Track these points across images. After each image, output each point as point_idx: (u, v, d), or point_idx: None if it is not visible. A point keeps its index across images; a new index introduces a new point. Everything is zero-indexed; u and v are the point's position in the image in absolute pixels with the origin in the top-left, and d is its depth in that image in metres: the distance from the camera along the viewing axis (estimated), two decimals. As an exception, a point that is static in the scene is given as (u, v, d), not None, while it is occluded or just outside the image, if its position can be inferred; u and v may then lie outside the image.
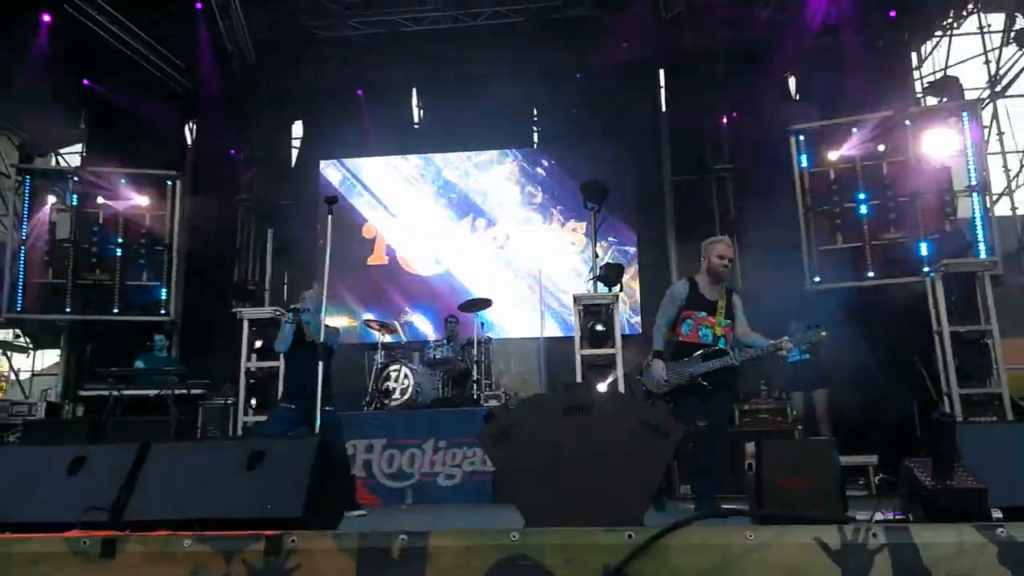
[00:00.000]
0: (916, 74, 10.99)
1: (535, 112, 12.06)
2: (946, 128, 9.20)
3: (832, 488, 2.52)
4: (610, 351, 7.43)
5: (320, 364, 5.77)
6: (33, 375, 13.02)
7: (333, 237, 6.03)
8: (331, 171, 11.98)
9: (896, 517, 2.34)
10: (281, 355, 6.86)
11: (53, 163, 12.52)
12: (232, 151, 11.70)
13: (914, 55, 11.05)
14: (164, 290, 10.27)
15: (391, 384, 8.07)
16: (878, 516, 2.34)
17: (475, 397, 8.35)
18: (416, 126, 12.22)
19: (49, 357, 13.26)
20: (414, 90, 12.21)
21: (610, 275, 8.22)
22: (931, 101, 10.18)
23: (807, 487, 2.51)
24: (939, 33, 10.83)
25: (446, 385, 8.48)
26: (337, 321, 11.12)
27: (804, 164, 9.68)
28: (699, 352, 5.06)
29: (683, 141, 11.15)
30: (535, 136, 12.09)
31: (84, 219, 10.29)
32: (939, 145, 9.12)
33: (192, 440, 4.53)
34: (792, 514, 2.22)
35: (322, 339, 5.88)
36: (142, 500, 2.89)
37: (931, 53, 11.01)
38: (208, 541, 2.33)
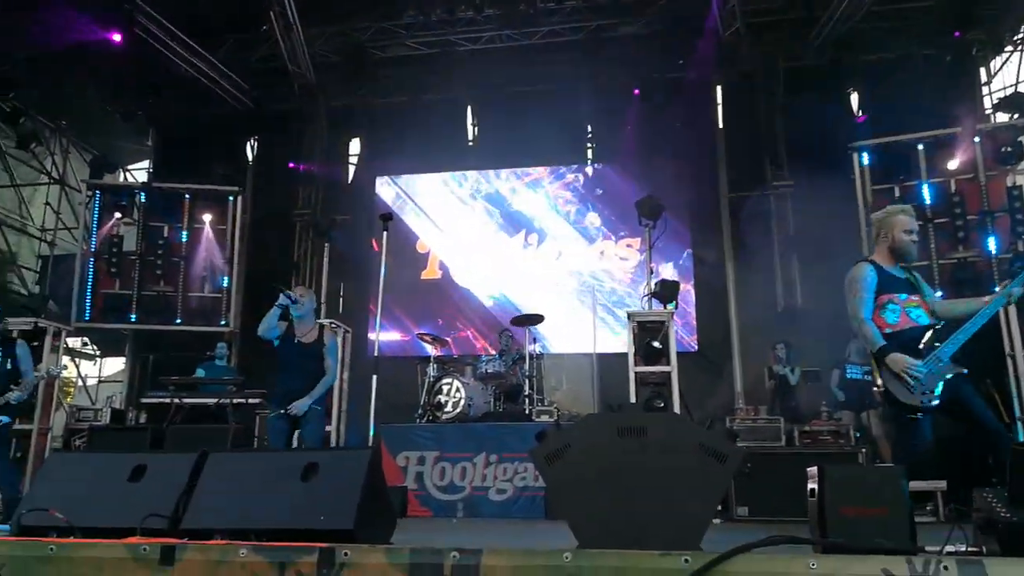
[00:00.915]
0: (986, 89, 10.65)
1: (590, 129, 12.04)
2: (1017, 145, 8.89)
3: (900, 517, 2.42)
4: (665, 368, 7.32)
5: (313, 366, 5.53)
6: (99, 382, 13.46)
7: (387, 253, 6.10)
8: (386, 188, 12.15)
9: (968, 549, 2.23)
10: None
11: (121, 179, 13.00)
12: (291, 166, 11.97)
13: (983, 70, 10.70)
14: (224, 301, 10.54)
15: (443, 397, 8.09)
16: (948, 548, 2.24)
17: (527, 412, 8.32)
18: (471, 143, 12.33)
19: (115, 365, 13.71)
20: (469, 108, 12.33)
21: (665, 292, 8.13)
22: (1001, 117, 9.83)
23: (873, 516, 2.41)
24: (1009, 48, 10.48)
25: (498, 399, 8.46)
26: (392, 335, 11.25)
27: (867, 181, 9.45)
28: (929, 333, 3.95)
29: (741, 157, 10.99)
30: (589, 153, 12.06)
31: (150, 232, 10.66)
32: (1009, 162, 8.82)
33: (248, 450, 4.61)
34: (857, 544, 2.13)
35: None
36: (199, 508, 2.95)
37: (1001, 68, 10.65)
38: (263, 551, 2.35)
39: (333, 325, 8.10)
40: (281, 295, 5.53)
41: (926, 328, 3.97)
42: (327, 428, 7.78)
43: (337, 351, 5.84)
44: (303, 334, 5.65)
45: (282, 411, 5.50)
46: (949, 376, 3.81)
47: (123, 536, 2.69)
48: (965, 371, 3.84)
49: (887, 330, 4.02)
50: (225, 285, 10.61)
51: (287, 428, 5.54)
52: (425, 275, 11.71)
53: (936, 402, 3.80)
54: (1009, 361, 7.10)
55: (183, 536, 2.76)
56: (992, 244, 8.75)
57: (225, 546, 2.42)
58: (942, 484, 6.10)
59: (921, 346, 3.91)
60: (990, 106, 10.38)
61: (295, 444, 5.60)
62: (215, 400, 7.81)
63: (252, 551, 2.36)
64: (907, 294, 4.08)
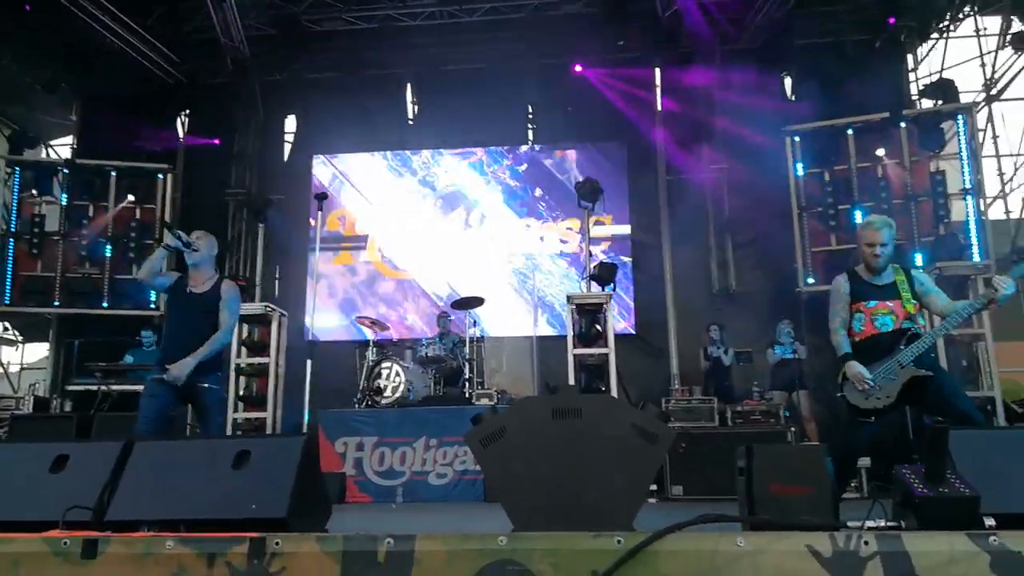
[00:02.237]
0: (912, 76, 11.00)
1: (530, 110, 12.01)
2: (940, 131, 9.23)
3: (824, 495, 2.50)
4: (603, 351, 7.41)
5: (205, 323, 4.70)
6: (22, 369, 12.92)
7: (324, 233, 5.99)
8: (323, 166, 11.92)
9: (888, 524, 2.31)
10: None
11: (43, 155, 12.42)
12: (223, 144, 11.63)
13: (910, 57, 11.05)
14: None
15: (382, 382, 8.02)
16: (869, 523, 2.32)
17: (467, 396, 8.32)
18: (410, 122, 12.17)
19: (38, 351, 13.17)
20: (408, 85, 12.15)
21: (603, 275, 8.21)
22: (927, 104, 10.18)
23: (799, 494, 2.49)
24: (935, 36, 10.83)
25: (438, 383, 8.43)
26: (328, 318, 11.10)
27: (799, 166, 9.69)
28: (895, 339, 4.11)
29: (678, 140, 11.12)
30: (530, 134, 12.04)
31: (74, 212, 10.23)
32: (934, 148, 9.15)
33: (177, 437, 4.46)
34: (783, 521, 2.19)
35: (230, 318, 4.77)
36: (125, 499, 2.85)
37: (927, 56, 11.01)
38: (191, 543, 2.29)
39: (234, 281, 7.87)
40: (167, 234, 4.73)
41: (891, 334, 4.13)
42: (262, 414, 7.64)
43: (236, 305, 4.88)
44: (196, 284, 4.78)
45: (164, 376, 4.56)
46: (907, 379, 4.02)
47: (45, 530, 2.58)
48: (929, 373, 4.04)
49: (855, 338, 4.24)
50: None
51: (168, 397, 4.60)
52: (363, 257, 11.56)
53: (889, 404, 4.05)
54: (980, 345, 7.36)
55: (108, 529, 2.67)
56: (915, 229, 9.10)
57: (151, 538, 2.35)
58: (866, 461, 6.35)
59: (887, 349, 4.11)
60: (916, 92, 10.72)
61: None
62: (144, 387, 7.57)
63: (179, 543, 2.29)
64: (877, 300, 4.21)
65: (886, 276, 4.29)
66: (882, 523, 2.30)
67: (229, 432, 7.15)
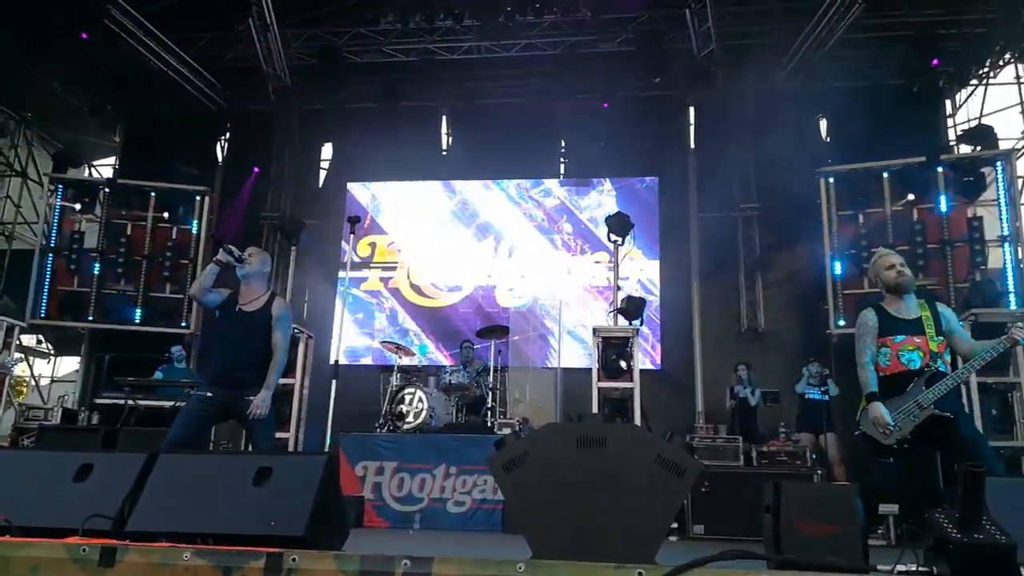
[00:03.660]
0: (950, 122, 10.91)
1: (563, 144, 12.10)
2: (979, 177, 9.12)
3: (853, 536, 2.43)
4: (628, 384, 7.33)
5: (255, 339, 4.59)
6: (52, 381, 13.13)
7: (354, 258, 6.03)
8: (358, 193, 12.07)
9: (920, 570, 2.24)
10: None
11: (86, 174, 12.75)
12: (261, 169, 11.85)
13: (948, 103, 10.97)
14: (186, 303, 10.34)
15: (405, 407, 8.00)
16: (900, 568, 2.24)
17: (489, 424, 8.27)
18: (444, 153, 12.31)
19: (69, 364, 13.38)
20: (444, 117, 12.32)
21: (631, 308, 8.15)
22: (964, 149, 10.07)
23: (827, 534, 2.42)
24: (975, 82, 10.76)
25: (460, 411, 8.40)
26: (355, 342, 11.15)
27: (833, 207, 9.61)
28: (917, 378, 4.03)
29: (710, 178, 11.10)
30: (562, 168, 12.12)
31: (112, 230, 10.45)
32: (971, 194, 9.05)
33: (200, 452, 4.46)
34: (811, 560, 2.13)
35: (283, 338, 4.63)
36: (146, 511, 2.86)
37: (966, 101, 10.93)
38: (207, 555, 2.28)
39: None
40: (221, 250, 4.62)
41: (916, 372, 4.05)
42: (285, 435, 7.64)
43: (289, 324, 4.76)
44: (247, 301, 4.66)
45: (209, 393, 4.48)
46: (924, 418, 3.95)
47: (65, 537, 2.59)
48: (949, 414, 3.95)
49: (880, 373, 4.15)
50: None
51: (208, 414, 4.52)
52: (392, 283, 11.63)
53: (905, 444, 3.98)
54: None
55: (128, 539, 2.67)
56: (951, 274, 8.95)
57: (168, 549, 2.34)
58: (894, 508, 6.20)
59: (908, 389, 4.03)
60: (954, 138, 10.62)
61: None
62: (171, 403, 7.64)
63: (196, 555, 2.29)
64: (905, 335, 4.12)
65: (912, 310, 4.21)
66: (913, 567, 2.23)
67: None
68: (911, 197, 9.26)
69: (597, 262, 11.24)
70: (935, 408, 3.94)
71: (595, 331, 7.66)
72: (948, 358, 4.17)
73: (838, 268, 9.49)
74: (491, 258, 11.56)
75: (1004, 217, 8.92)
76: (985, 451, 3.94)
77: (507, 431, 7.68)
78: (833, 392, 8.50)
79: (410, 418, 7.94)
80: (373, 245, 11.61)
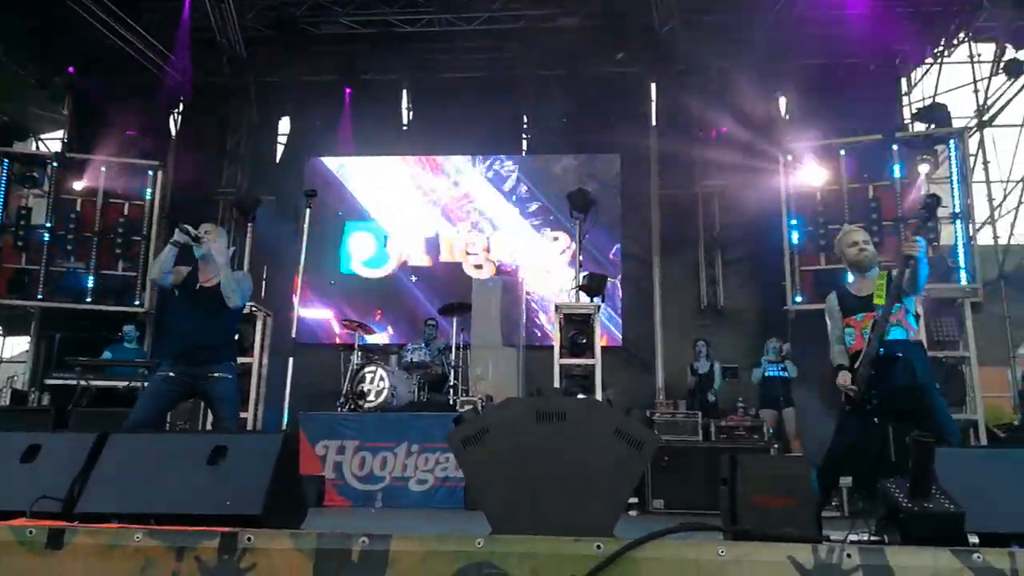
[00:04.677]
0: (905, 100, 11.08)
1: (525, 120, 12.03)
2: (932, 154, 9.28)
3: (807, 507, 2.47)
4: (590, 361, 7.38)
5: (217, 315, 4.55)
6: (1, 362, 12.76)
7: (314, 234, 5.94)
8: (317, 168, 11.86)
9: (871, 538, 2.28)
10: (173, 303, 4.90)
11: (33, 148, 12.32)
12: (215, 144, 11.59)
13: (904, 81, 11.14)
14: (139, 281, 10.10)
15: (366, 386, 7.95)
16: (852, 537, 2.29)
17: (451, 402, 8.27)
18: (405, 127, 12.16)
19: (19, 344, 13.01)
20: (404, 91, 12.15)
21: (592, 285, 8.19)
22: (919, 127, 10.24)
23: (781, 505, 2.46)
24: (929, 60, 10.92)
25: (422, 389, 8.38)
26: (314, 321, 11.03)
27: (790, 184, 9.71)
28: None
29: (671, 155, 11.14)
30: (524, 144, 12.06)
31: (61, 206, 10.14)
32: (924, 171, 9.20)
33: (152, 431, 4.39)
34: (766, 531, 2.16)
35: (236, 303, 4.61)
36: (97, 492, 2.78)
37: (921, 80, 11.10)
38: (160, 536, 2.24)
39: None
40: (177, 230, 4.59)
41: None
42: (244, 415, 7.54)
43: (247, 283, 4.78)
44: (208, 279, 4.64)
45: (171, 373, 4.46)
46: (875, 355, 4.02)
47: (11, 519, 2.52)
48: (899, 355, 4.03)
49: (850, 352, 4.25)
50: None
51: (174, 394, 4.53)
52: (352, 260, 11.50)
53: (874, 401, 4.05)
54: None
55: (78, 521, 2.60)
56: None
57: (118, 530, 2.29)
58: (848, 480, 6.33)
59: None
60: (909, 116, 10.79)
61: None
62: (125, 383, 7.49)
63: (148, 535, 2.24)
64: (864, 313, 4.21)
65: (868, 285, 4.28)
66: (866, 536, 2.27)
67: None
68: (870, 171, 9.38)
69: (557, 239, 11.23)
70: (882, 350, 4.01)
71: (557, 308, 7.69)
72: (912, 323, 4.23)
73: (796, 243, 9.61)
74: (452, 234, 11.47)
75: (956, 195, 9.10)
76: (947, 425, 4.03)
77: (468, 408, 7.68)
78: (792, 373, 8.66)
79: (371, 397, 7.89)
80: (332, 222, 11.43)
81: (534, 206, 11.46)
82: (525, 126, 12.04)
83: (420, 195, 11.69)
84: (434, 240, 11.48)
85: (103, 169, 10.29)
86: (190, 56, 11.12)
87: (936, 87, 10.73)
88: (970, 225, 9.06)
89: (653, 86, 11.61)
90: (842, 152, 9.53)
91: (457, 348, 8.73)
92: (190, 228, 4.60)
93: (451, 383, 8.56)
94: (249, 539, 2.21)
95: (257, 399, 7.86)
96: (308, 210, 5.84)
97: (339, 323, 10.58)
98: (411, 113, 12.22)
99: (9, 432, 3.18)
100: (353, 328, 9.09)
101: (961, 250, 8.86)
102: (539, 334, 10.61)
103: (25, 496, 2.71)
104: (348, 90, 11.56)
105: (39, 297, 9.89)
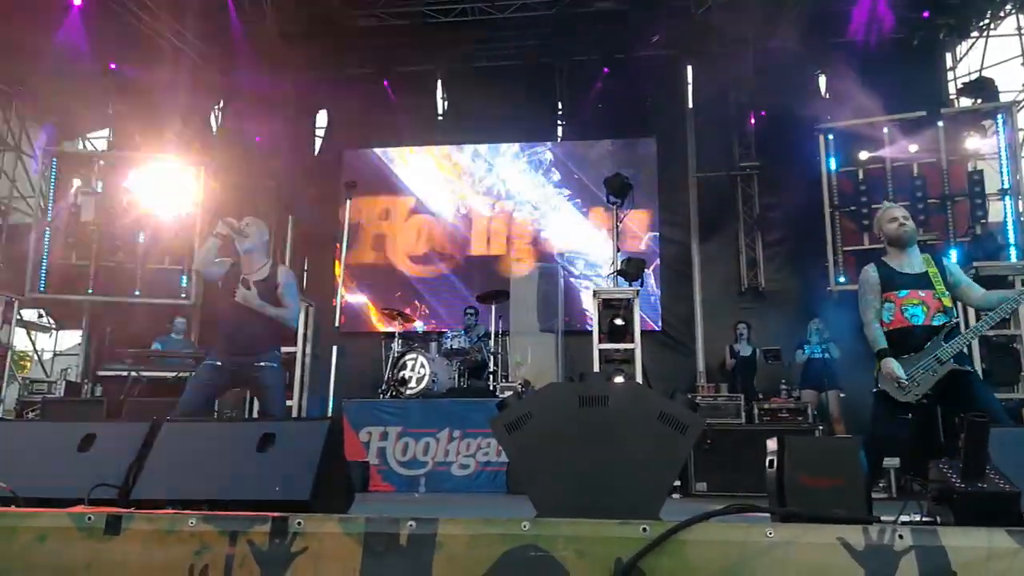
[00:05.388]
0: (951, 75, 10.78)
1: (560, 106, 11.98)
2: (980, 130, 9.03)
3: (857, 488, 2.43)
4: (629, 346, 7.35)
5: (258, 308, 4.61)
6: (55, 355, 13.15)
7: (355, 225, 5.98)
8: (354, 160, 11.97)
9: (923, 519, 2.24)
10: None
11: (81, 147, 12.62)
12: (257, 139, 11.75)
13: (949, 55, 10.83)
14: (184, 276, 10.32)
15: (407, 373, 8.03)
16: (904, 518, 2.25)
17: (491, 388, 8.31)
18: (440, 117, 12.19)
19: (72, 338, 13.39)
20: (439, 81, 12.17)
21: (630, 270, 8.14)
22: (965, 102, 9.96)
23: (830, 486, 2.43)
24: (975, 34, 10.60)
25: (462, 376, 8.44)
26: (355, 309, 11.15)
27: (832, 163, 9.54)
28: (936, 335, 3.94)
29: (709, 137, 11.00)
30: (559, 130, 12.01)
31: (109, 202, 10.38)
32: (972, 147, 8.97)
33: (202, 420, 4.49)
34: (814, 512, 2.14)
35: (292, 324, 4.77)
36: (151, 479, 2.86)
37: (967, 54, 10.78)
38: (213, 521, 2.29)
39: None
40: (220, 223, 4.66)
41: (924, 328, 3.98)
42: (288, 403, 7.66)
43: (295, 290, 4.84)
44: (251, 272, 4.71)
45: (218, 362, 4.56)
46: (944, 374, 3.89)
47: (70, 507, 2.60)
48: (969, 368, 3.94)
49: (884, 329, 4.09)
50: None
51: (217, 382, 4.63)
52: (392, 249, 11.58)
53: (924, 400, 3.93)
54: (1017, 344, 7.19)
55: (132, 507, 2.68)
56: (952, 228, 8.91)
57: (174, 515, 2.34)
58: (895, 461, 6.23)
59: (921, 345, 3.95)
60: (954, 91, 10.50)
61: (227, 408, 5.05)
62: (174, 373, 7.67)
63: (202, 520, 2.29)
64: (909, 290, 4.06)
65: (917, 265, 4.16)
66: (917, 518, 2.23)
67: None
68: (912, 150, 9.15)
69: (596, 224, 11.17)
70: (955, 363, 3.90)
71: (595, 293, 7.66)
72: (957, 315, 4.15)
73: (838, 225, 9.44)
74: (490, 222, 11.48)
75: (1005, 170, 8.85)
76: (995, 405, 3.91)
77: (509, 394, 7.71)
78: (835, 354, 8.52)
79: (413, 383, 7.96)
80: (371, 212, 11.54)
81: (570, 192, 11.41)
82: (560, 112, 11.99)
83: (456, 183, 11.72)
84: (471, 227, 11.51)
85: (148, 165, 10.50)
86: (229, 53, 11.31)
87: (983, 61, 10.42)
88: (1020, 201, 8.80)
89: (689, 68, 11.47)
90: (885, 130, 9.33)
91: (496, 335, 8.76)
92: (233, 221, 4.68)
93: (490, 369, 8.60)
94: (299, 523, 2.24)
95: (302, 387, 7.98)
96: (348, 201, 5.88)
97: (380, 312, 10.67)
98: (446, 103, 12.24)
99: (66, 423, 3.29)
100: (393, 316, 9.17)
101: (1011, 227, 8.64)
102: (580, 318, 10.59)
103: (83, 484, 2.79)
104: (385, 82, 11.61)
105: (89, 292, 10.15)
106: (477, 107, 11.65)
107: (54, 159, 10.64)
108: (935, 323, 3.99)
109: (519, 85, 11.45)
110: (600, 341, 7.40)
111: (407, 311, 9.80)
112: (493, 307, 8.88)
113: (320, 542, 2.23)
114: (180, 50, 10.95)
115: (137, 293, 10.19)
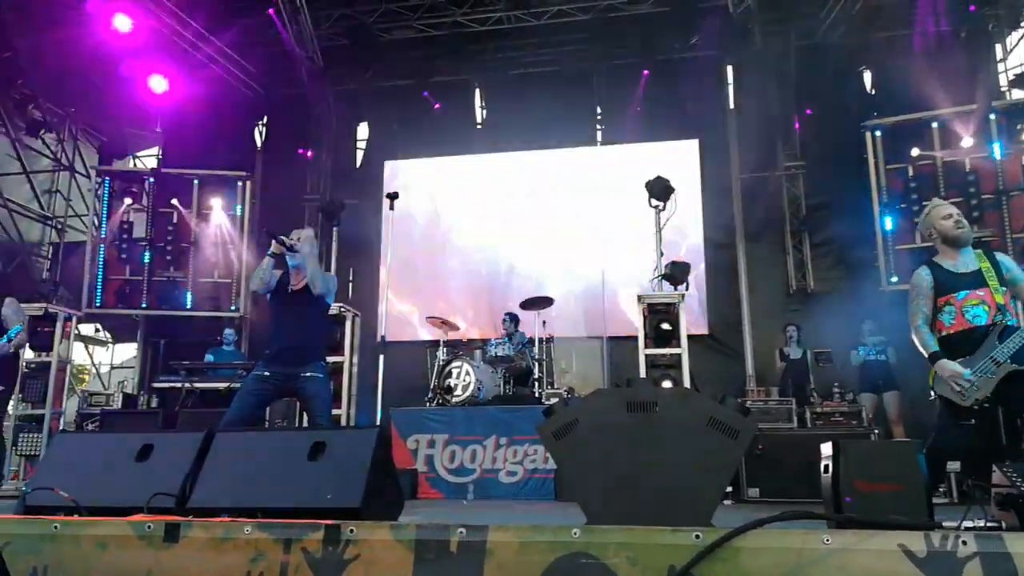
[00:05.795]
0: (1001, 67, 10.47)
1: (599, 110, 11.94)
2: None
3: (917, 493, 2.37)
4: (676, 351, 7.27)
5: (308, 317, 4.74)
6: (112, 368, 13.53)
7: (396, 235, 6.04)
8: (395, 170, 12.08)
9: (987, 524, 2.17)
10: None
11: (131, 165, 12.99)
12: (299, 151, 11.97)
13: (999, 46, 10.52)
14: (233, 288, 10.54)
15: (453, 381, 8.07)
16: (967, 523, 2.18)
17: (536, 395, 8.30)
18: (479, 126, 12.25)
19: (127, 351, 13.76)
20: (477, 90, 12.24)
21: (675, 274, 8.05)
22: (1017, 94, 9.66)
23: (888, 491, 2.37)
24: (1025, 24, 10.30)
25: (507, 383, 8.44)
26: (400, 319, 11.24)
27: (880, 161, 9.33)
28: (989, 334, 3.81)
29: (753, 138, 10.85)
30: (599, 135, 11.97)
31: (159, 219, 10.67)
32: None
33: (255, 429, 4.56)
34: (874, 519, 2.08)
35: (320, 290, 4.76)
36: (207, 487, 2.93)
37: (1017, 44, 10.46)
38: (268, 528, 2.33)
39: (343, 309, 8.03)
40: (273, 242, 4.70)
41: (983, 327, 3.85)
42: (337, 411, 7.76)
43: (333, 281, 4.99)
44: (298, 282, 4.82)
45: (267, 372, 4.61)
46: (1004, 374, 3.76)
47: (129, 515, 2.66)
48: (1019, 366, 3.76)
49: (943, 333, 3.96)
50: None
51: (268, 393, 4.67)
52: (435, 258, 11.66)
53: (987, 404, 3.78)
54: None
55: (190, 515, 2.74)
56: (1007, 224, 8.65)
57: (230, 523, 2.39)
58: (956, 465, 6.02)
59: (981, 346, 3.81)
60: (1006, 83, 10.20)
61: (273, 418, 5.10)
62: (226, 384, 7.82)
63: (257, 528, 2.33)
64: (968, 291, 3.91)
65: (970, 262, 3.99)
66: (981, 523, 2.17)
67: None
68: (964, 145, 8.89)
69: (638, 229, 11.07)
70: (1012, 363, 3.75)
71: (640, 298, 7.60)
72: (1018, 309, 4.01)
73: (888, 223, 9.23)
74: (533, 229, 11.44)
75: (1062, 163, 8.57)
76: None
77: (555, 401, 7.69)
78: (891, 356, 8.33)
79: (458, 391, 8.00)
80: (414, 221, 11.62)
81: (611, 196, 11.34)
82: (599, 117, 11.95)
83: (496, 190, 11.74)
84: (511, 234, 11.50)
85: (196, 181, 10.78)
86: (270, 69, 11.54)
87: (1035, 50, 10.11)
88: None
89: (730, 69, 11.33)
90: (934, 125, 9.09)
91: (540, 341, 8.75)
92: (285, 239, 4.72)
93: (535, 376, 8.59)
94: (351, 531, 2.27)
95: (349, 397, 8.07)
96: (392, 212, 5.94)
97: (425, 320, 10.73)
98: (484, 111, 12.30)
99: (124, 434, 3.38)
100: (438, 325, 9.22)
101: (1070, 221, 8.34)
102: (623, 324, 10.50)
103: (141, 493, 2.87)
104: (425, 92, 11.72)
105: (143, 306, 10.44)
106: (515, 114, 11.67)
107: (106, 178, 10.96)
108: (1005, 320, 3.85)
109: (557, 91, 11.45)
110: (646, 346, 7.34)
111: (451, 319, 9.84)
112: (537, 314, 8.86)
113: (372, 549, 2.25)
114: (224, 68, 11.18)
115: (188, 306, 10.45)
